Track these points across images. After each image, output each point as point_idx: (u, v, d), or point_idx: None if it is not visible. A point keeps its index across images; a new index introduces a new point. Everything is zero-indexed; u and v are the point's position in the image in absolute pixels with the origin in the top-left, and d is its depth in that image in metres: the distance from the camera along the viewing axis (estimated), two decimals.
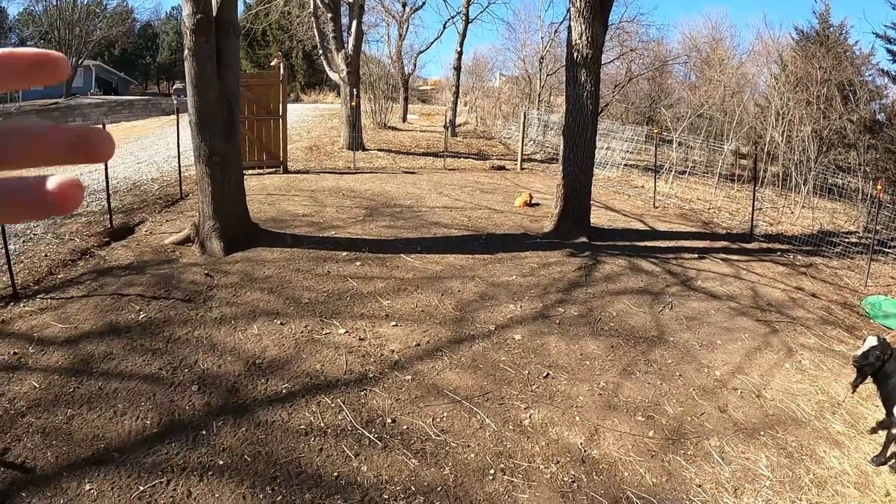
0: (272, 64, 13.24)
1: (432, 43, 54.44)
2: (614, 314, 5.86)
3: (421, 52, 31.98)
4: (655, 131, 14.08)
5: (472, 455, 3.61)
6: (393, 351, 4.75)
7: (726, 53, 24.29)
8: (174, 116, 10.12)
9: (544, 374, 4.62)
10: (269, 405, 3.91)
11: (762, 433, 4.23)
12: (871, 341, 4.07)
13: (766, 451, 4.02)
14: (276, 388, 4.11)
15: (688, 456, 3.86)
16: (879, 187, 9.06)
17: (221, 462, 3.34)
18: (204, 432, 3.59)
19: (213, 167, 6.47)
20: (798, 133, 14.04)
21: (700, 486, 3.61)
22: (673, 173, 14.90)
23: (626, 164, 15.77)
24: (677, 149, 16.08)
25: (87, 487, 3.08)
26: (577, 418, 4.10)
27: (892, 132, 15.47)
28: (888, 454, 4.02)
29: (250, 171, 10.89)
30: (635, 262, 7.49)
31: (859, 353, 4.12)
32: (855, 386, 4.25)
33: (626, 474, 3.61)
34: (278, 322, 5.05)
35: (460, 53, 22.69)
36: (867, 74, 17.91)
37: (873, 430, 4.42)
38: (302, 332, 4.93)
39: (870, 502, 3.70)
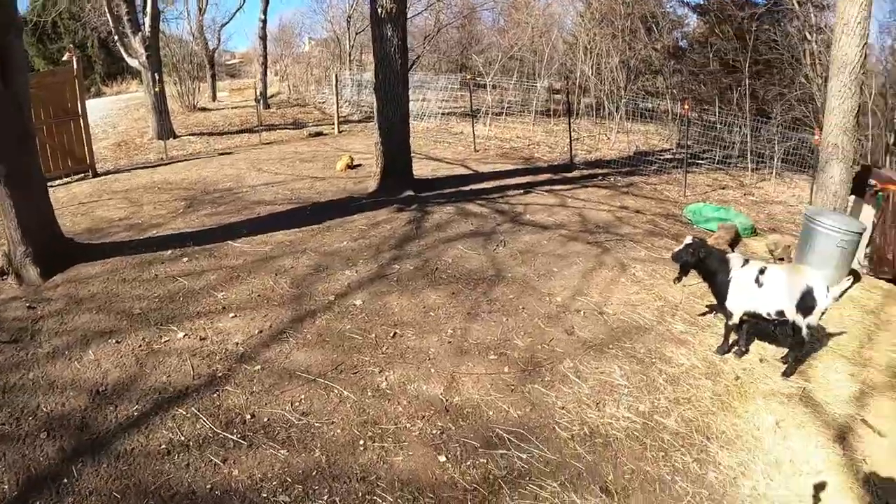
0: (64, 59, 11.92)
1: (235, 13, 51.00)
2: (450, 261, 5.98)
3: (224, 24, 30.26)
4: (468, 77, 14.46)
5: (339, 431, 3.59)
6: (237, 344, 4.55)
7: None
8: None
9: (391, 334, 4.65)
10: (124, 432, 3.63)
11: (611, 346, 4.54)
12: (687, 240, 4.54)
13: (618, 363, 4.34)
14: (127, 412, 3.81)
15: (546, 382, 4.07)
16: (687, 107, 10.03)
17: None
18: (66, 480, 3.27)
19: (13, 186, 5.76)
20: (607, 65, 15.04)
21: (563, 407, 3.83)
22: (490, 116, 15.40)
23: (443, 113, 16.07)
24: (492, 92, 16.56)
25: None
26: (433, 370, 4.19)
27: (694, 56, 17.14)
28: (729, 343, 4.55)
29: (56, 182, 9.88)
30: (463, 207, 7.65)
31: (675, 250, 4.60)
32: (677, 279, 4.70)
33: (490, 413, 3.74)
34: (113, 341, 4.66)
35: (265, 21, 22.00)
36: (668, 6, 19.39)
37: (704, 314, 5.10)
38: (140, 345, 4.60)
39: (722, 388, 4.12)
